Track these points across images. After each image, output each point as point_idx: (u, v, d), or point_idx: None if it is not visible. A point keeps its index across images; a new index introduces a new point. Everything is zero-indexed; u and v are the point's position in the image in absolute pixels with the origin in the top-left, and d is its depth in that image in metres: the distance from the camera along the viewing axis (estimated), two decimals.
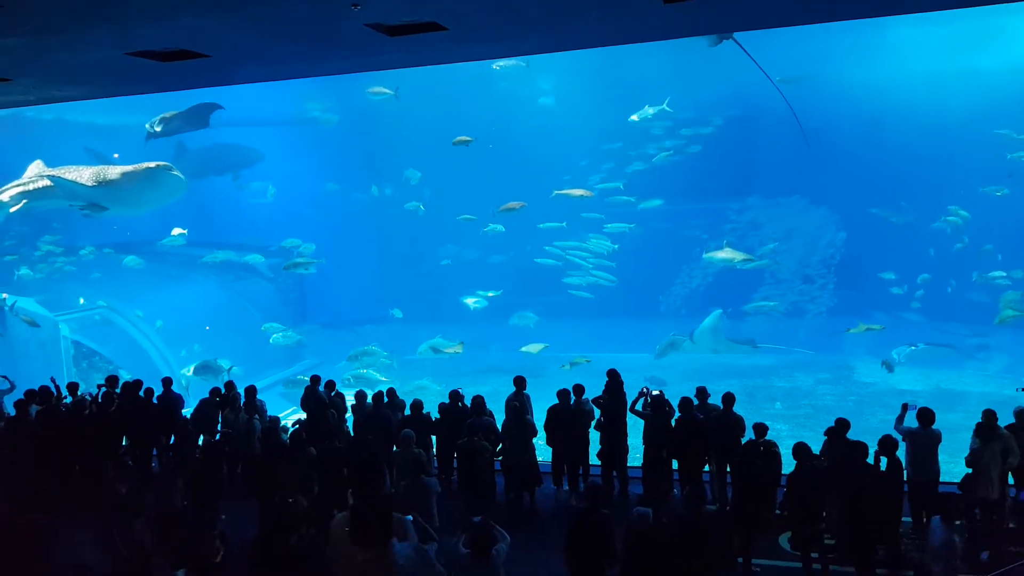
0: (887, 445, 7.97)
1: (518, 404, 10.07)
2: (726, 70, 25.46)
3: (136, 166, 18.00)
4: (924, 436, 8.55)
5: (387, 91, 23.09)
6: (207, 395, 11.67)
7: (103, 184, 17.80)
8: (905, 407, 8.95)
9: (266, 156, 29.61)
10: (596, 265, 27.05)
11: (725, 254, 21.01)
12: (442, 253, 29.64)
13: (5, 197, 19.68)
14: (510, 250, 28.46)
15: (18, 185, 19.54)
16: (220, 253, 26.05)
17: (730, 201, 28.39)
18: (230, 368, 20.28)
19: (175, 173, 17.94)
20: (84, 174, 18.22)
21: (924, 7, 9.67)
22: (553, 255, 27.41)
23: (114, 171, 18.05)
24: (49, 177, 18.48)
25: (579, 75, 27.78)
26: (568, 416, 10.17)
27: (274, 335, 23.80)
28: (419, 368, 22.64)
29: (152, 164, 17.86)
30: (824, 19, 10.19)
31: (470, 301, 25.60)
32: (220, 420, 11.20)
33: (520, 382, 10.50)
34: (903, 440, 8.73)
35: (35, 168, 19.98)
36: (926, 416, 8.55)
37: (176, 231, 23.57)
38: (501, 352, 25.38)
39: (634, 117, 24.90)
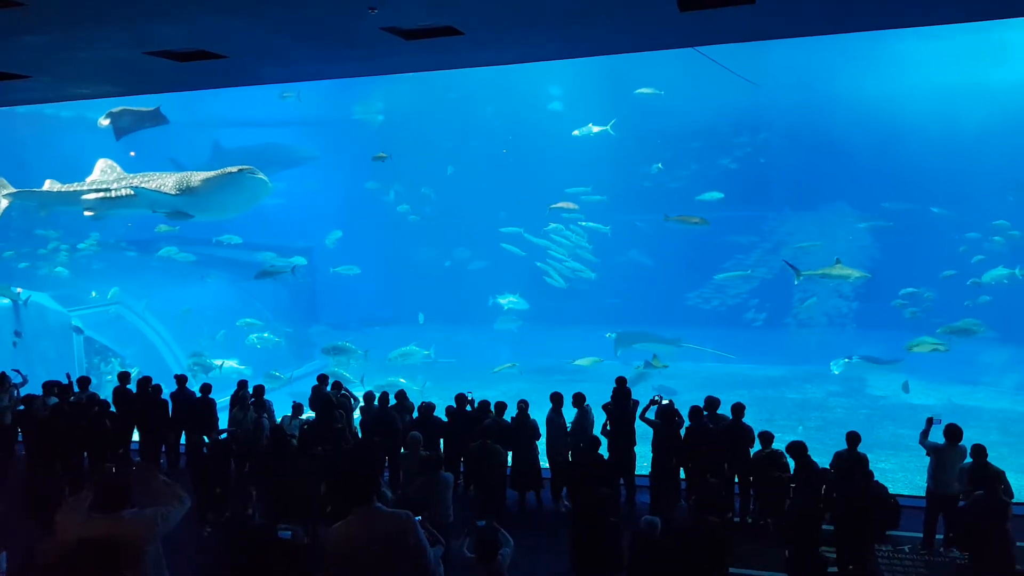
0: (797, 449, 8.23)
1: (524, 404, 10.04)
2: (734, 79, 25.46)
3: (218, 171, 17.56)
4: (950, 452, 8.52)
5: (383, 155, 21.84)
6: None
7: (186, 192, 17.46)
8: (930, 421, 8.85)
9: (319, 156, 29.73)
10: (571, 257, 27.08)
11: (839, 271, 20.70)
12: (421, 256, 29.68)
13: (87, 198, 19.18)
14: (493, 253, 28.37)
15: (99, 191, 18.94)
16: (267, 253, 25.76)
17: (760, 210, 28.16)
18: (221, 364, 20.48)
19: (258, 176, 17.43)
20: (167, 182, 17.88)
21: (929, 21, 9.69)
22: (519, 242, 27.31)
23: (196, 178, 17.66)
24: (133, 188, 18.12)
25: (588, 81, 27.92)
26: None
27: (250, 335, 23.38)
28: (395, 369, 22.48)
29: (234, 169, 17.40)
30: (836, 31, 10.21)
31: (505, 302, 25.73)
32: (228, 418, 11.25)
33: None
34: (927, 455, 8.69)
35: (104, 166, 19.39)
36: (954, 432, 8.51)
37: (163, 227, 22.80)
38: (510, 357, 25.43)
39: (576, 132, 25.10)
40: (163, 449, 11.69)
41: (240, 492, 7.36)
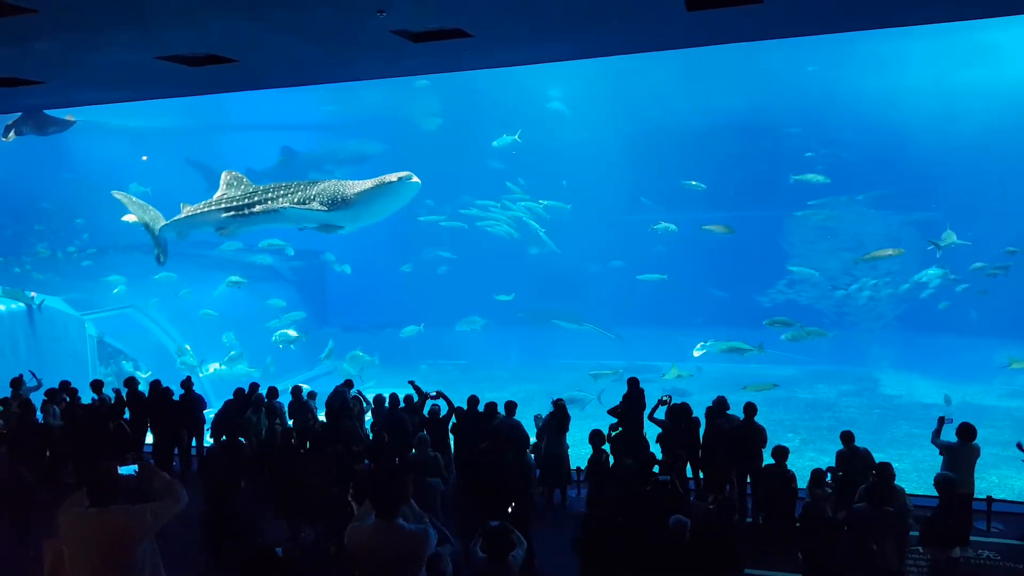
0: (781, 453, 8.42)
1: (559, 401, 10.28)
2: (735, 79, 25.38)
3: (376, 181, 16.61)
4: (964, 451, 8.46)
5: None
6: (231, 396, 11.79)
7: (340, 207, 16.61)
8: (942, 420, 8.80)
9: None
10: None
11: (950, 237, 21.08)
12: (432, 258, 29.82)
13: (224, 217, 17.99)
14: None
15: (235, 208, 17.65)
16: (328, 255, 26.39)
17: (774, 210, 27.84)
18: (201, 363, 21.07)
19: (415, 180, 16.53)
20: (310, 194, 16.90)
21: (939, 18, 9.69)
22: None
23: (351, 191, 16.67)
24: (280, 208, 17.10)
25: (588, 81, 28.00)
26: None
27: (224, 334, 23.22)
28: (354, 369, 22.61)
29: (393, 177, 16.41)
30: (844, 29, 10.22)
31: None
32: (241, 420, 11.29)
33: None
34: (940, 454, 8.66)
35: (229, 179, 18.30)
36: (967, 431, 8.45)
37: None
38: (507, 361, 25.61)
39: (495, 143, 25.92)
40: (176, 452, 11.75)
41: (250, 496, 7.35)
